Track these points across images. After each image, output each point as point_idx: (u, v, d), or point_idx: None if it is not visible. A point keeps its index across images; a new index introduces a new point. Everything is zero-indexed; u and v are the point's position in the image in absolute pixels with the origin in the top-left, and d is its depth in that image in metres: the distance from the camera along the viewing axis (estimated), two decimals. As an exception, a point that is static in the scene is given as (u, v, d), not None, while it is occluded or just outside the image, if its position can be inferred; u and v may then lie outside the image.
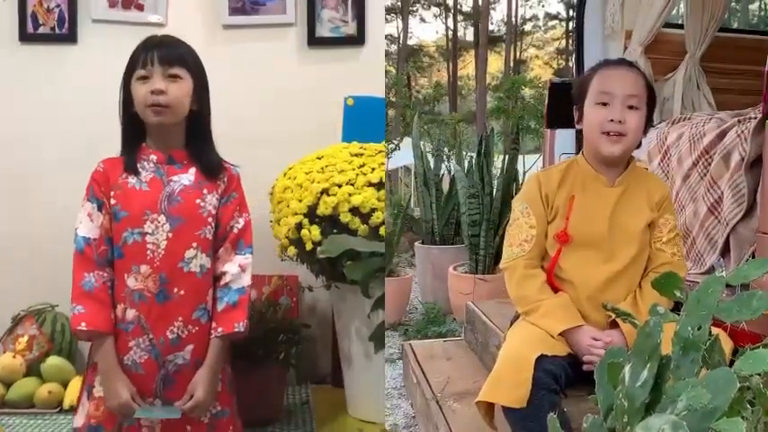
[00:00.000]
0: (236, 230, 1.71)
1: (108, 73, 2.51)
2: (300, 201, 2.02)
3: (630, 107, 1.60)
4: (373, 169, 2.06)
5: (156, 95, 1.60)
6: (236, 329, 1.65)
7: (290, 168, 2.18)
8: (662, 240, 1.67)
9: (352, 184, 2.01)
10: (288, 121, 2.57)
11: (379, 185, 2.02)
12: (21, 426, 2.20)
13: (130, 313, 1.60)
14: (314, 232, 1.99)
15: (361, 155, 2.12)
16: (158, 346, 1.60)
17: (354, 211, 1.98)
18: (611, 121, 1.59)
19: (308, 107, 2.57)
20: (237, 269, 1.69)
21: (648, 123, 1.67)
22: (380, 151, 2.14)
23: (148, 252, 1.60)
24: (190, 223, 1.64)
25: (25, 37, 2.67)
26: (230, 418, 1.73)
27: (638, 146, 1.70)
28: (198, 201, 1.66)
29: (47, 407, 2.31)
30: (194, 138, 1.71)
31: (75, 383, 2.34)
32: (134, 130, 1.69)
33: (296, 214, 2.02)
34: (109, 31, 2.65)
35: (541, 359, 1.47)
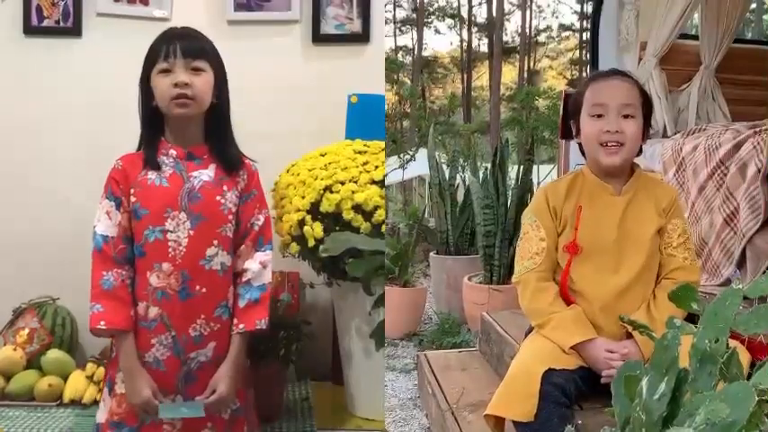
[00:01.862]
0: (256, 228, 1.70)
1: (112, 67, 2.56)
2: (303, 197, 2.02)
3: (626, 116, 1.60)
4: (377, 167, 2.06)
5: (181, 88, 1.58)
6: (258, 326, 1.65)
7: (294, 165, 2.17)
8: (672, 245, 1.65)
9: (356, 182, 2.00)
10: (291, 118, 2.55)
11: (381, 183, 2.02)
12: (20, 418, 2.20)
13: (153, 311, 1.59)
14: (316, 229, 1.98)
15: (365, 152, 2.12)
16: (181, 343, 1.60)
17: (357, 208, 1.98)
18: (607, 132, 1.59)
19: (311, 104, 2.56)
20: (258, 266, 1.68)
21: (647, 130, 1.67)
22: (383, 149, 2.13)
23: (170, 250, 1.59)
24: (211, 221, 1.63)
25: (30, 30, 2.66)
26: (245, 414, 1.73)
27: (640, 152, 1.69)
28: (218, 198, 1.65)
29: (46, 400, 2.31)
30: (214, 132, 1.70)
31: (75, 377, 2.35)
32: (153, 125, 1.67)
33: (298, 211, 2.01)
34: (113, 25, 2.64)
35: (549, 373, 1.47)
